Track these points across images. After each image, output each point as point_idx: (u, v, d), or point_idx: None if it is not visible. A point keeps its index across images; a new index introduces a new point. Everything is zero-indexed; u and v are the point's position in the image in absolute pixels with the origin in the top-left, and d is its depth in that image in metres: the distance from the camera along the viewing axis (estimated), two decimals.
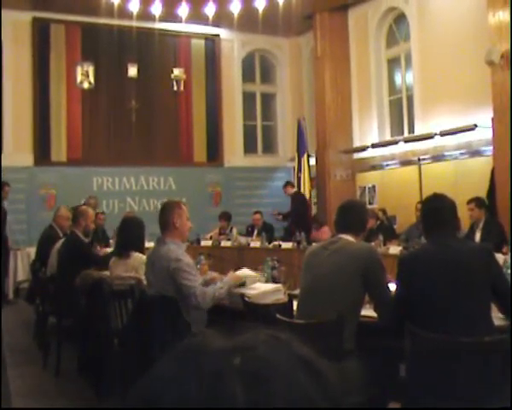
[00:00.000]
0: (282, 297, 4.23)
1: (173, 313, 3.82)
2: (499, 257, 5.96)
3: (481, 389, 2.57)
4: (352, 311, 3.21)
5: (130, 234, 5.06)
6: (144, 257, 4.94)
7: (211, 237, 10.88)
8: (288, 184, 11.78)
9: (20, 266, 10.69)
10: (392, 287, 3.26)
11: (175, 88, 13.07)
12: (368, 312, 3.38)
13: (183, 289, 3.93)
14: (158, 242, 4.23)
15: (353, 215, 3.48)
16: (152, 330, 3.80)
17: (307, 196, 11.73)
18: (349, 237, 3.38)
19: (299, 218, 10.85)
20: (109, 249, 6.94)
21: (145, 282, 4.41)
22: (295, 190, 11.74)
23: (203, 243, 10.56)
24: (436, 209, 3.06)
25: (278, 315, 3.18)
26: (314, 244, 3.49)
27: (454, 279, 2.81)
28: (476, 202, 7.97)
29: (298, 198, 11.56)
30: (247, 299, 3.92)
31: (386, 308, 3.22)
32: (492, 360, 2.59)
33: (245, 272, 4.57)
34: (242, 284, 4.72)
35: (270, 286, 4.39)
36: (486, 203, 8.16)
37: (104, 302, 4.75)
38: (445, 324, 2.78)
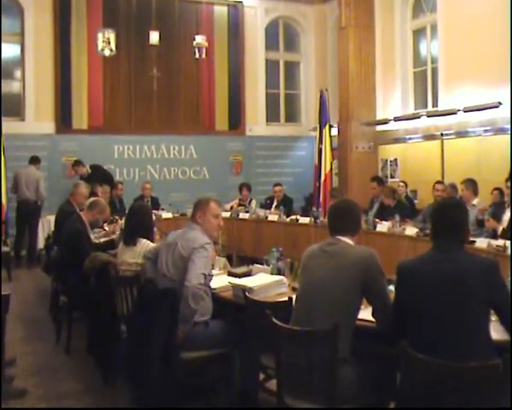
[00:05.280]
0: (284, 291, 4.21)
1: (174, 306, 3.82)
2: None
3: None
4: (349, 318, 3.15)
5: (137, 222, 5.07)
6: (152, 244, 4.94)
7: (231, 208, 10.85)
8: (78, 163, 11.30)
9: (41, 233, 10.79)
10: (392, 288, 3.20)
11: (197, 55, 12.92)
12: (365, 315, 3.33)
13: (189, 268, 3.92)
14: (188, 226, 4.31)
15: (349, 216, 3.40)
16: (150, 321, 3.79)
17: (328, 167, 11.51)
18: (347, 239, 3.32)
19: None
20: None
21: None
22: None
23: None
24: (448, 216, 2.96)
25: (274, 319, 3.13)
26: (313, 245, 3.41)
27: (450, 296, 2.73)
28: None
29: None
30: (247, 294, 3.88)
31: (384, 315, 3.16)
32: (482, 386, 2.49)
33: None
34: (247, 274, 4.70)
35: (273, 278, 4.35)
36: None
37: (110, 287, 4.75)
38: (438, 342, 2.71)
